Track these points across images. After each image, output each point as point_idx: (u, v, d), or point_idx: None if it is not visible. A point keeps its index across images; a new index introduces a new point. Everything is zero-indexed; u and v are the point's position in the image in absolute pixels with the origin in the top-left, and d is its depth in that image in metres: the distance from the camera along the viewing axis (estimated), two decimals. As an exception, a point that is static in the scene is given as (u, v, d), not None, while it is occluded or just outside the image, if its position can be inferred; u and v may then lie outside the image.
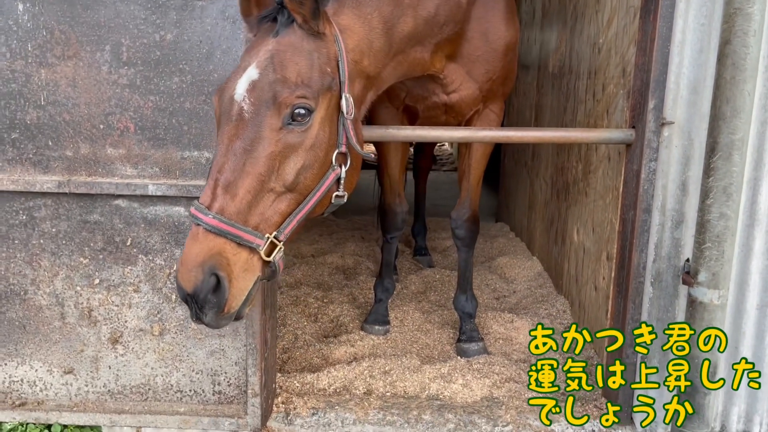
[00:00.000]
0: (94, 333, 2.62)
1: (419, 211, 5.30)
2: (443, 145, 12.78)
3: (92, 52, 2.42)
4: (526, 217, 5.49)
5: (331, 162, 2.10)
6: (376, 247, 5.39)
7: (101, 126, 2.47)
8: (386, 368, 3.16)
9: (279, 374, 3.06)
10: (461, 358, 3.33)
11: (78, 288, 2.59)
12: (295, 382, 3.02)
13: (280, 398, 2.86)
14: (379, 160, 3.57)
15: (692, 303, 2.40)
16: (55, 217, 2.53)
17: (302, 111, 2.00)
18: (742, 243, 2.57)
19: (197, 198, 1.96)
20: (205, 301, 1.83)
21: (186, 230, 2.53)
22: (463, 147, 3.38)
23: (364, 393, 3.00)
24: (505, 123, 3.99)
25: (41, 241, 2.55)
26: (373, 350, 3.44)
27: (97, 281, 2.58)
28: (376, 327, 3.62)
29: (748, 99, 2.22)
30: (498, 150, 6.19)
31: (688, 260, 2.54)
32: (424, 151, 5.25)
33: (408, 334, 3.67)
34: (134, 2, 2.40)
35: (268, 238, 1.94)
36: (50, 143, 2.48)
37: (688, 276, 2.43)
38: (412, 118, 3.27)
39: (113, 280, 2.58)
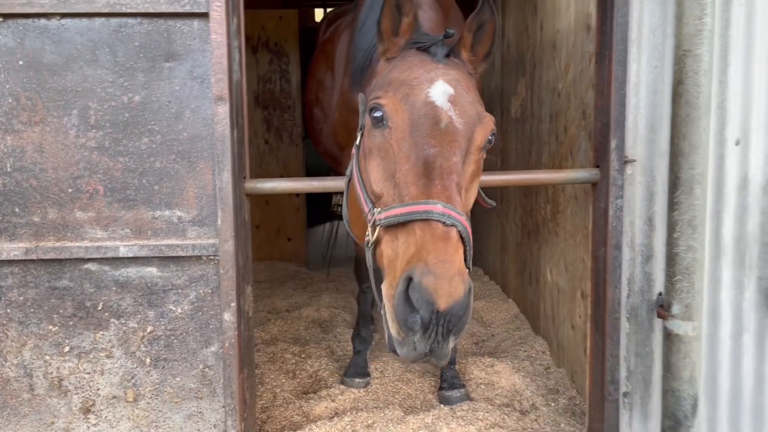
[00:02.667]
0: (64, 404, 2.53)
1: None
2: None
3: (59, 116, 2.42)
4: (499, 260, 5.53)
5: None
6: (352, 298, 5.36)
7: (69, 190, 2.44)
8: (369, 422, 3.10)
9: (259, 435, 2.98)
10: (444, 406, 3.29)
11: (47, 357, 2.50)
12: (276, 441, 2.94)
13: (261, 460, 2.78)
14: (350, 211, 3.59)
15: (668, 336, 2.43)
16: (22, 285, 2.47)
17: (492, 139, 1.98)
18: (710, 274, 2.63)
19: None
20: (459, 322, 1.59)
21: (159, 292, 2.49)
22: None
23: (348, 449, 2.93)
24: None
25: (8, 310, 2.47)
26: (354, 404, 3.37)
27: (67, 349, 2.51)
28: (356, 380, 3.57)
29: (703, 135, 2.31)
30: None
31: (660, 294, 2.58)
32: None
33: (389, 385, 3.62)
34: (101, 67, 2.41)
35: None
36: (17, 210, 2.43)
37: (662, 309, 2.47)
38: None
39: (84, 347, 2.51)
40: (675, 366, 2.41)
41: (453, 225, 1.67)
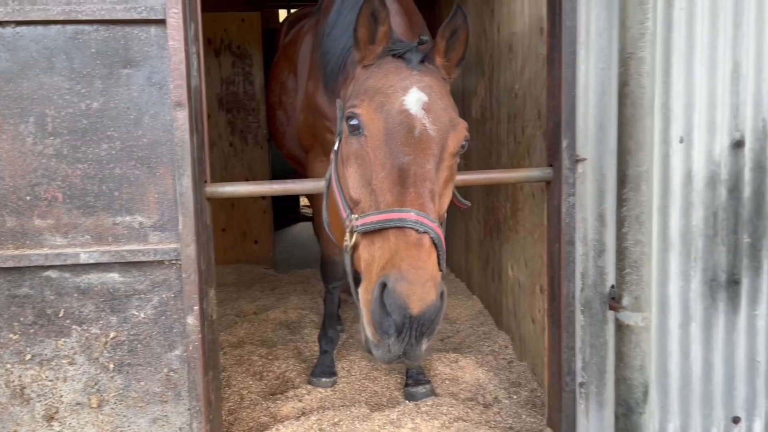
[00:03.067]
0: (27, 411, 2.52)
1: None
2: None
3: (15, 124, 2.41)
4: (463, 257, 5.63)
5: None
6: (320, 299, 5.39)
7: (28, 197, 2.44)
8: (335, 420, 3.14)
9: (226, 437, 3.01)
10: (409, 402, 3.35)
11: (8, 365, 2.49)
12: (243, 443, 2.96)
13: (228, 461, 2.81)
14: (313, 213, 3.64)
15: (620, 327, 2.53)
16: (-19, 293, 2.45)
17: (466, 144, 2.01)
18: (659, 267, 2.75)
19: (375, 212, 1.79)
20: (431, 325, 1.65)
21: (121, 297, 2.50)
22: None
23: (315, 447, 2.97)
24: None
25: (-33, 319, 2.46)
26: (321, 403, 3.42)
27: (28, 357, 2.50)
28: (323, 379, 3.61)
29: (648, 134, 2.42)
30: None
31: (612, 287, 2.68)
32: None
33: (356, 383, 3.67)
34: (58, 74, 2.41)
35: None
36: (-26, 218, 2.42)
37: (614, 302, 2.57)
38: None
39: (46, 354, 2.51)
40: (626, 355, 2.51)
41: (425, 232, 1.73)
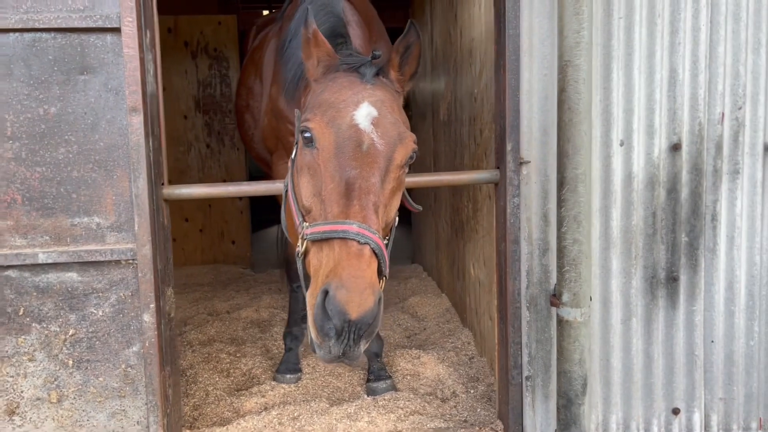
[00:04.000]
0: (-12, 407, 2.60)
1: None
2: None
3: (-25, 129, 2.49)
4: (434, 256, 5.74)
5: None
6: (291, 297, 5.49)
7: (-12, 199, 2.52)
8: (295, 414, 3.24)
9: (188, 431, 3.09)
10: (369, 397, 3.45)
11: (-30, 362, 2.57)
12: (203, 437, 3.05)
13: (187, 454, 2.90)
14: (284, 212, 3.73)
15: (560, 322, 2.65)
16: (-58, 292, 2.53)
17: (414, 156, 2.13)
18: (601, 264, 2.86)
19: (340, 221, 1.91)
20: (368, 329, 1.78)
21: (79, 296, 2.59)
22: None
23: (273, 440, 3.07)
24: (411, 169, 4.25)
25: (-71, 318, 2.54)
26: (283, 398, 3.51)
27: (-11, 354, 2.58)
28: (287, 376, 3.71)
29: (585, 138, 2.53)
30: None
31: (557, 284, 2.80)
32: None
33: (319, 379, 3.77)
34: (16, 80, 2.50)
35: None
36: (-65, 220, 2.50)
37: (555, 298, 2.68)
38: None
39: (7, 351, 2.59)
40: (566, 349, 2.62)
41: (366, 243, 1.87)
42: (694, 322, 2.91)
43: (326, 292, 1.79)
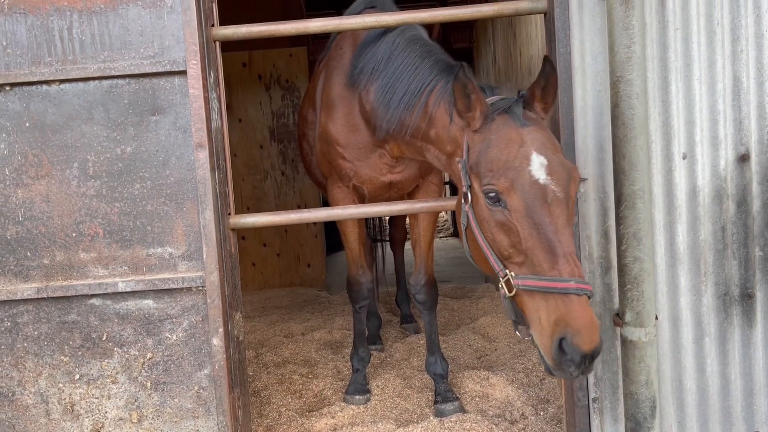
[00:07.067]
0: (77, 426, 2.81)
1: (400, 280, 5.50)
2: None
3: (62, 170, 2.74)
4: (505, 276, 5.66)
5: None
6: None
7: (73, 234, 2.75)
8: (362, 435, 3.30)
9: (260, 451, 3.22)
10: (435, 418, 3.46)
11: (60, 385, 2.80)
12: (274, 456, 3.16)
13: (259, 473, 3.01)
14: (341, 236, 3.83)
15: (624, 342, 2.57)
16: (36, 320, 2.78)
17: (582, 185, 2.40)
18: (668, 282, 2.76)
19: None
20: (598, 354, 2.09)
21: (155, 321, 2.77)
22: (412, 218, 3.64)
23: (341, 461, 3.13)
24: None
25: (25, 344, 2.79)
26: (352, 419, 3.58)
27: (77, 376, 2.80)
28: (356, 397, 3.77)
29: (642, 153, 2.47)
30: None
31: (621, 303, 2.72)
32: (395, 223, 5.51)
33: (388, 400, 3.81)
34: (97, 123, 2.73)
35: None
36: (29, 254, 2.76)
37: (618, 317, 2.61)
38: (361, 195, 3.56)
39: (92, 374, 2.80)
40: (632, 371, 2.54)
41: (585, 294, 2.12)
42: (774, 341, 2.75)
43: (561, 339, 2.08)
